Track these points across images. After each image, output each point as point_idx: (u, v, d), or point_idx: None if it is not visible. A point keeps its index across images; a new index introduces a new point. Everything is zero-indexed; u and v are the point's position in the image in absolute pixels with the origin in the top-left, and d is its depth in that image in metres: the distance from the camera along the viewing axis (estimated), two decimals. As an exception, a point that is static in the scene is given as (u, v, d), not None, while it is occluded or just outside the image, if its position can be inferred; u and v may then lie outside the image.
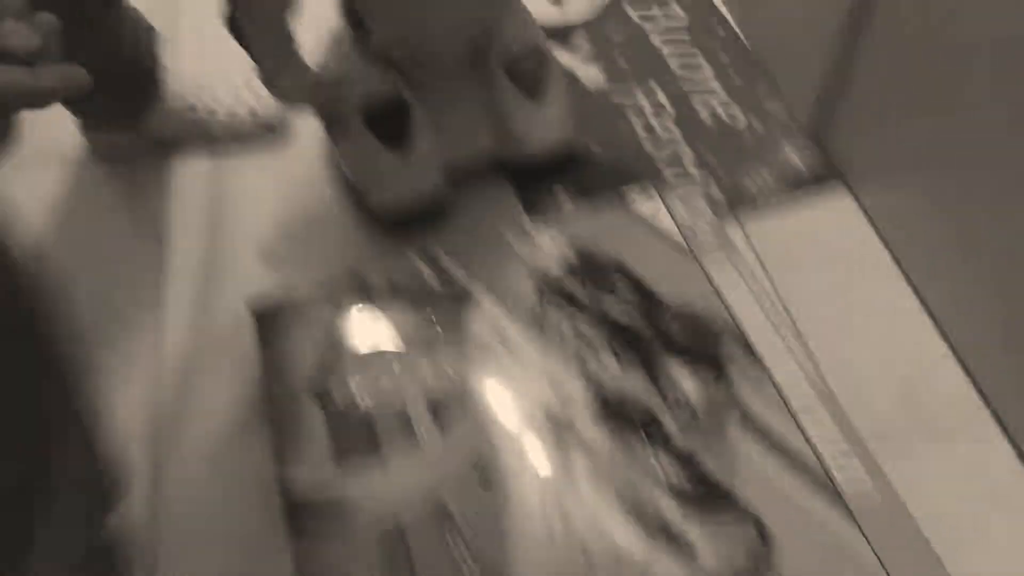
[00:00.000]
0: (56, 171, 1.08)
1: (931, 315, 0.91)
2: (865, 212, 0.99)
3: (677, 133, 1.07)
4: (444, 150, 0.94)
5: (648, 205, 0.91)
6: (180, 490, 0.83)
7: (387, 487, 0.73)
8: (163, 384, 0.90)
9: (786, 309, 0.91)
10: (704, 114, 1.09)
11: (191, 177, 1.05)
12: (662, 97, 1.11)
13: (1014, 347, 0.81)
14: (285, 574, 0.70)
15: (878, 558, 0.68)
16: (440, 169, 0.95)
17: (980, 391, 0.86)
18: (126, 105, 0.99)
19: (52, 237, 1.03)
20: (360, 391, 0.78)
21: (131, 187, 1.07)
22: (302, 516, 0.72)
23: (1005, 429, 0.84)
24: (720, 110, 1.09)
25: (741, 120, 1.08)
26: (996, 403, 0.84)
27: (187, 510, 0.82)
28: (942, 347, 0.89)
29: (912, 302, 0.93)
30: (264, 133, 1.05)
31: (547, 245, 0.87)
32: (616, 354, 0.80)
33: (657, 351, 0.80)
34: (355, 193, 0.99)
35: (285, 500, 0.72)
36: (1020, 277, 0.77)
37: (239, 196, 1.04)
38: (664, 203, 0.91)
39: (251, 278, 0.94)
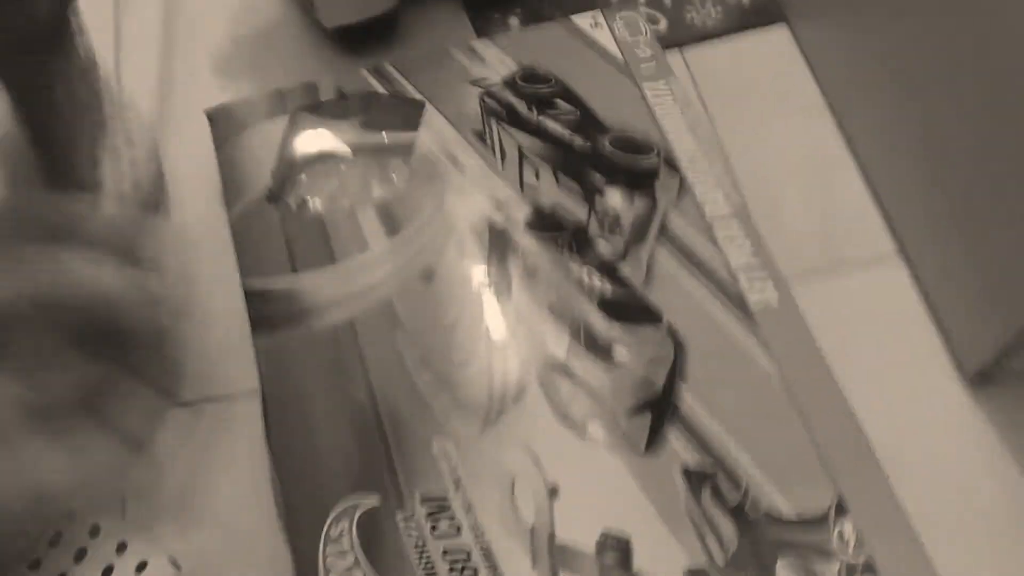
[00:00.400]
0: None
1: (854, 154, 0.97)
2: (802, 51, 1.04)
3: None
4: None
5: (593, 30, 0.94)
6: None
7: (338, 286, 0.79)
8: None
9: (717, 137, 0.96)
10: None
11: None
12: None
13: (929, 190, 0.88)
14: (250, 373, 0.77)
15: (775, 364, 0.77)
16: None
17: (892, 229, 0.94)
18: None
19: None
20: (311, 194, 0.83)
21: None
22: (260, 311, 0.78)
23: (911, 267, 0.92)
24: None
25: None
26: (906, 241, 0.92)
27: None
28: (862, 187, 0.96)
29: (838, 141, 0.99)
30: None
31: (493, 63, 0.91)
32: (553, 170, 0.85)
33: (591, 167, 0.85)
34: (307, 8, 1.00)
35: (246, 299, 0.78)
36: (942, 120, 0.83)
37: (192, 12, 1.04)
38: (608, 28, 0.94)
39: (206, 92, 0.97)
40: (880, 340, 0.87)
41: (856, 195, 0.96)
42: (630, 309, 0.79)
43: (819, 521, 0.68)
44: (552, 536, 0.66)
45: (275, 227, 0.82)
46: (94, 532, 0.68)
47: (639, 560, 0.66)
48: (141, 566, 0.68)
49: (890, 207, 0.95)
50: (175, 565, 0.69)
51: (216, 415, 0.84)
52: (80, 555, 0.67)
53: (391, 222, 0.82)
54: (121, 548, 0.68)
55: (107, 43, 1.05)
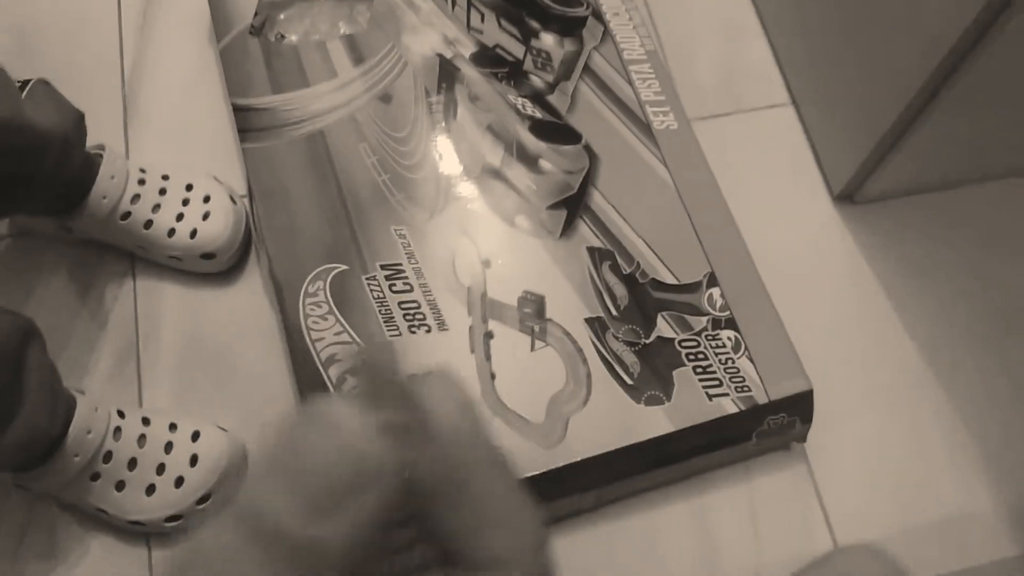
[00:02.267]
0: None
1: (761, 21, 1.12)
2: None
3: None
4: None
5: None
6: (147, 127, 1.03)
7: (311, 102, 0.93)
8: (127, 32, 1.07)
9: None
10: None
11: None
12: None
13: (816, 48, 1.03)
14: (241, 171, 0.91)
15: (671, 175, 0.93)
16: None
17: (787, 83, 1.09)
18: None
19: None
20: (288, 30, 0.97)
21: None
22: (247, 124, 0.92)
23: (799, 112, 1.08)
24: None
25: None
26: (796, 92, 1.08)
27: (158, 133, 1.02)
28: (766, 48, 1.11)
29: (749, 9, 1.13)
30: None
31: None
32: (496, 16, 0.99)
33: (529, 15, 1.00)
34: None
35: (235, 115, 0.93)
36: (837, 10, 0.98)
37: None
38: None
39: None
40: (766, 167, 1.04)
41: (759, 55, 1.12)
42: (555, 131, 0.94)
43: (693, 287, 0.85)
44: (484, 294, 0.83)
45: (257, 56, 0.96)
46: (146, 421, 0.79)
47: (551, 311, 0.83)
48: (195, 435, 0.81)
49: (785, 63, 1.11)
50: (222, 429, 0.83)
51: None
52: (142, 440, 0.78)
53: (356, 54, 0.96)
54: (173, 427, 0.80)
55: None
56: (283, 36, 0.97)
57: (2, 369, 0.67)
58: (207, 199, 0.91)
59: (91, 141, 0.88)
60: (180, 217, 0.90)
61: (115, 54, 1.06)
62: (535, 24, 1.00)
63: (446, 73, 0.96)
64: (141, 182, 0.90)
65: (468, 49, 0.97)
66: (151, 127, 1.01)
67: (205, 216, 0.90)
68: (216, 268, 0.92)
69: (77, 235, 0.91)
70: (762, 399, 0.80)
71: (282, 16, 0.99)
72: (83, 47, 1.07)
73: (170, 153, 1.00)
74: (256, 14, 0.98)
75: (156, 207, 0.89)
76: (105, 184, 0.86)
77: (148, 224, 0.88)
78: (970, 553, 0.86)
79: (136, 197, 0.88)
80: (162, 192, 0.90)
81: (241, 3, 0.99)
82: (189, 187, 0.92)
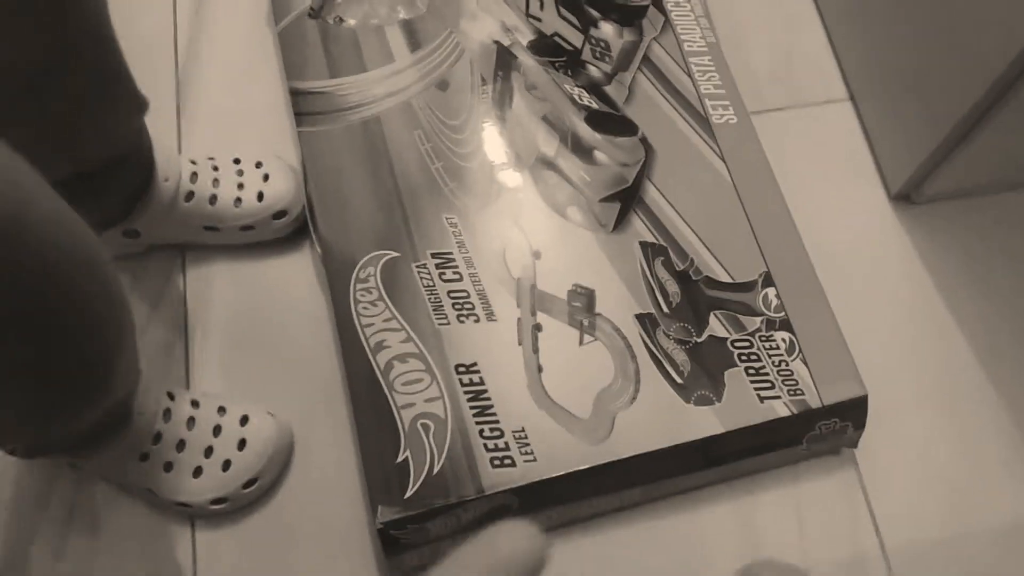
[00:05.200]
0: None
1: (819, 13, 1.07)
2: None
3: None
4: None
5: None
6: (200, 110, 1.01)
7: (367, 87, 0.91)
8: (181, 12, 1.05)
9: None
10: None
11: None
12: None
13: (877, 46, 0.98)
14: (296, 154, 0.89)
15: (728, 171, 0.88)
16: None
17: (845, 78, 1.04)
18: None
19: None
20: (346, 12, 0.94)
21: None
22: (303, 108, 0.90)
23: (857, 109, 1.02)
24: None
25: None
26: (855, 88, 1.03)
27: (211, 115, 1.00)
28: (824, 42, 1.06)
29: (806, 7, 1.08)
30: None
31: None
32: (556, 3, 0.95)
33: (589, 3, 0.96)
34: None
35: (292, 99, 0.90)
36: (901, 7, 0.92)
37: None
38: None
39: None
40: (822, 163, 0.99)
41: (818, 48, 1.07)
42: (612, 122, 0.90)
43: (748, 286, 0.81)
44: (534, 286, 0.80)
45: (315, 39, 0.93)
46: (195, 404, 0.77)
47: (601, 305, 0.79)
48: (244, 419, 0.78)
49: (844, 58, 1.05)
50: (270, 413, 0.80)
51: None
52: (191, 423, 0.76)
53: (413, 39, 0.93)
54: (221, 411, 0.78)
55: None
56: (342, 19, 0.94)
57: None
58: (259, 165, 0.89)
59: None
60: (241, 186, 0.87)
61: (169, 36, 1.04)
62: (595, 13, 0.96)
63: (503, 61, 0.92)
64: (192, 162, 0.87)
65: (526, 37, 0.94)
66: (204, 110, 0.99)
67: (265, 178, 0.88)
68: (288, 228, 0.89)
69: (144, 239, 0.88)
70: (815, 403, 0.76)
71: (343, 3, 0.96)
72: (137, 27, 1.04)
73: (223, 135, 0.98)
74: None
75: (215, 181, 0.86)
76: (164, 167, 0.83)
77: (213, 199, 0.86)
78: (1022, 561, 0.81)
79: (194, 176, 0.85)
80: (215, 168, 0.87)
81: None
82: (237, 160, 0.89)
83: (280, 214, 0.88)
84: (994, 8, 0.75)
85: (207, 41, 1.04)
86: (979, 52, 0.78)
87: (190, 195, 0.85)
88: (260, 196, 0.87)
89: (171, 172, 0.83)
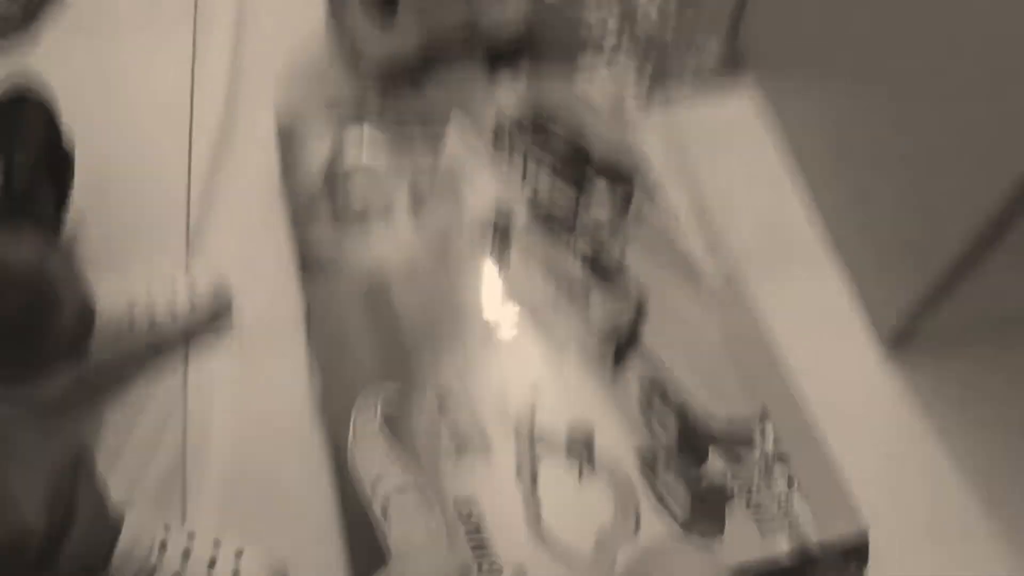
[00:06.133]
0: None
1: (803, 177, 1.13)
2: (764, 101, 1.20)
3: (618, 26, 1.26)
4: (425, 23, 1.13)
5: (588, 81, 1.11)
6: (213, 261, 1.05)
7: (373, 252, 0.94)
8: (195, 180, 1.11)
9: (687, 163, 1.12)
10: (642, 12, 1.29)
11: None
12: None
13: (860, 202, 1.03)
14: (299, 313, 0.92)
15: (719, 320, 0.90)
16: (421, 39, 1.13)
17: (829, 235, 1.08)
18: None
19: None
20: (355, 195, 0.99)
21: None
22: (310, 265, 0.93)
23: (843, 262, 1.06)
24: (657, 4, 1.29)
25: (672, 18, 1.28)
26: (838, 243, 1.07)
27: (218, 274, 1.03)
28: (806, 202, 1.11)
29: (787, 163, 1.14)
30: None
31: (506, 101, 1.07)
32: (551, 168, 1.01)
33: (582, 180, 1.01)
34: (352, 55, 1.18)
35: (299, 256, 0.94)
36: (889, 157, 0.98)
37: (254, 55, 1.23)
38: (601, 81, 1.11)
39: (266, 111, 1.14)
40: (813, 314, 1.00)
41: (800, 208, 1.11)
42: (606, 270, 0.94)
43: (745, 420, 0.81)
44: (532, 421, 0.80)
45: (324, 203, 0.98)
46: (191, 536, 0.76)
47: (599, 441, 0.79)
48: (239, 553, 0.77)
49: (828, 218, 1.09)
50: (265, 548, 0.78)
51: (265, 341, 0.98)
52: (186, 556, 0.74)
53: (418, 213, 0.97)
54: (216, 544, 0.77)
55: (184, 71, 1.24)
56: (349, 200, 0.99)
57: (60, 488, 0.65)
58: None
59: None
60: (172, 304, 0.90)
61: (183, 197, 1.09)
62: (587, 177, 1.01)
63: (501, 232, 0.96)
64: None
65: (522, 210, 0.98)
66: (211, 268, 1.02)
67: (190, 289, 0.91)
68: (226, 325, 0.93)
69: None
70: (816, 537, 0.74)
71: (349, 182, 1.01)
72: (154, 190, 1.10)
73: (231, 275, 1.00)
74: (325, 176, 1.01)
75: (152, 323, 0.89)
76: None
77: (152, 324, 0.89)
78: None
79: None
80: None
81: (309, 163, 1.02)
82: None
83: (215, 316, 0.93)
84: (970, 165, 0.79)
85: (219, 203, 1.09)
86: (957, 208, 0.81)
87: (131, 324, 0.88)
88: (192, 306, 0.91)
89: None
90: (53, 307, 0.79)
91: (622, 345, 0.86)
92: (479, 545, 0.72)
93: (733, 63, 1.24)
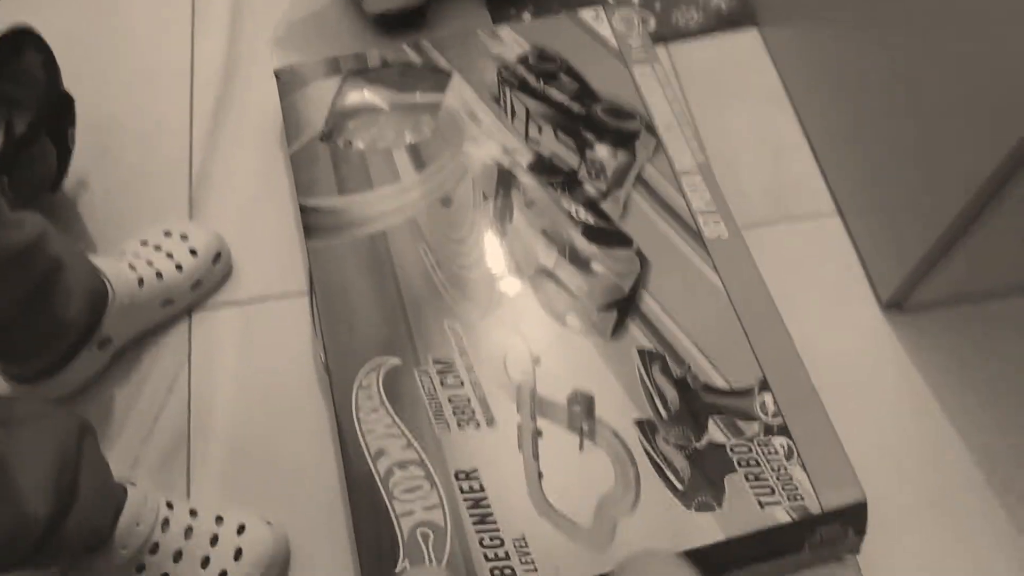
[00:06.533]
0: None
1: (805, 134, 1.11)
2: (768, 51, 1.18)
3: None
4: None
5: (594, 22, 1.09)
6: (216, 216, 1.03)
7: (374, 204, 0.93)
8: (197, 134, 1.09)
9: (690, 112, 1.10)
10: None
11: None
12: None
13: (861, 162, 1.01)
14: (303, 268, 0.91)
15: (722, 282, 0.89)
16: None
17: (832, 193, 1.07)
18: None
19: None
20: (356, 137, 0.97)
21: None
22: (312, 223, 0.92)
23: (845, 221, 1.05)
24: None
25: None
26: (841, 202, 1.05)
27: (222, 231, 1.02)
28: (810, 159, 1.09)
29: (793, 123, 1.12)
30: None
31: (510, 43, 1.05)
32: (553, 127, 0.99)
33: (584, 127, 0.99)
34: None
35: (301, 213, 0.93)
36: (874, 110, 0.96)
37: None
38: (607, 21, 1.08)
39: (267, 59, 1.12)
40: (814, 274, 1.00)
41: (806, 165, 1.10)
42: (607, 235, 0.92)
43: (745, 392, 0.81)
44: (533, 391, 0.80)
45: (326, 161, 0.97)
46: (193, 513, 0.77)
47: (600, 411, 0.79)
48: (241, 528, 0.78)
49: (831, 175, 1.08)
50: (267, 522, 0.80)
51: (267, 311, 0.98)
52: (188, 533, 0.75)
53: (419, 160, 0.96)
54: (219, 520, 0.78)
55: (185, 22, 1.21)
56: (351, 143, 0.97)
57: (63, 469, 0.65)
58: (167, 233, 0.95)
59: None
60: (171, 255, 0.92)
61: (185, 156, 1.08)
62: (590, 136, 0.99)
63: (503, 180, 0.95)
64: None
65: (525, 158, 0.97)
66: (214, 224, 1.01)
67: (183, 237, 0.94)
68: (228, 268, 0.98)
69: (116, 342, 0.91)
70: (815, 508, 0.74)
71: (351, 124, 1.00)
72: (156, 148, 1.09)
73: (234, 251, 0.99)
74: (326, 122, 0.99)
75: (150, 263, 0.91)
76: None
77: (159, 275, 0.91)
78: None
79: (132, 267, 0.90)
80: (140, 255, 0.92)
81: (312, 111, 1.00)
82: (145, 242, 0.94)
83: (216, 258, 0.96)
84: (974, 121, 0.77)
85: (221, 162, 1.07)
86: (960, 164, 0.80)
87: (140, 281, 0.90)
88: (193, 252, 0.93)
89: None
90: (60, 291, 0.79)
91: (622, 313, 0.85)
92: (480, 519, 0.72)
93: (739, 9, 1.21)
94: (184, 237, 0.95)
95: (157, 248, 0.93)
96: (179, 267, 0.93)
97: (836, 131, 1.06)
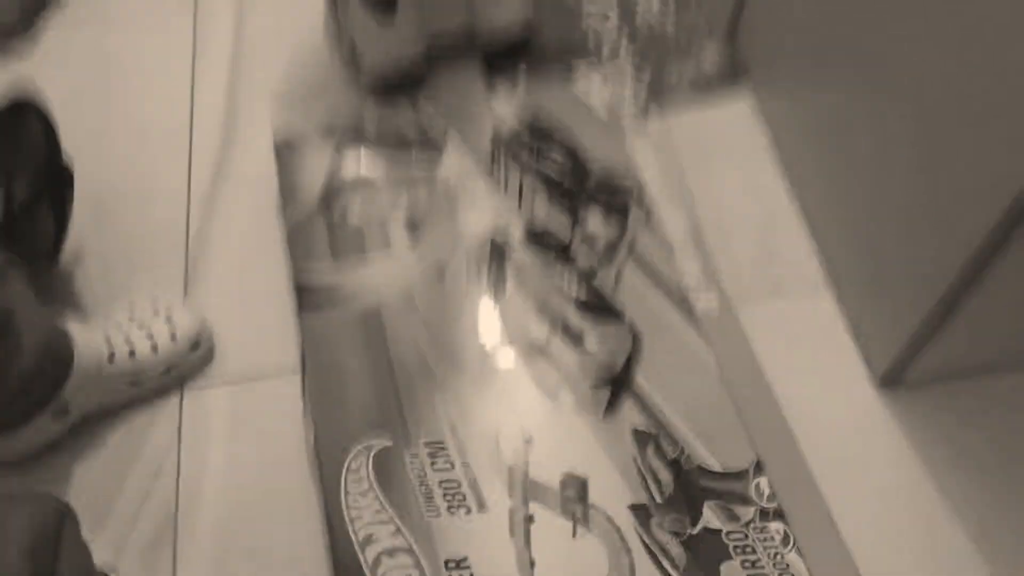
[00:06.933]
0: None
1: (796, 198, 1.11)
2: (761, 112, 1.18)
3: (617, 29, 1.23)
4: (425, 24, 1.10)
5: (586, 86, 1.09)
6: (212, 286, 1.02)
7: (369, 279, 0.92)
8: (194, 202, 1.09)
9: (684, 180, 1.10)
10: (642, 15, 1.25)
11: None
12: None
13: (853, 232, 1.01)
14: (295, 343, 0.90)
15: (714, 358, 0.88)
16: (421, 40, 1.11)
17: (823, 262, 1.06)
18: None
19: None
20: (351, 209, 0.97)
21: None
22: (307, 296, 0.91)
23: (836, 294, 1.04)
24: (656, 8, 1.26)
25: (671, 23, 1.25)
26: (832, 272, 1.05)
27: (217, 302, 1.01)
28: (801, 228, 1.09)
29: (782, 185, 1.12)
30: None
31: (504, 112, 1.05)
32: (546, 200, 0.99)
33: (577, 200, 0.99)
34: (350, 62, 1.15)
35: (296, 286, 0.92)
36: (868, 177, 0.95)
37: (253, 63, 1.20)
38: (599, 86, 1.09)
39: (265, 123, 1.11)
40: (807, 350, 0.99)
41: (796, 234, 1.09)
42: (600, 309, 0.91)
43: (740, 475, 0.79)
44: (526, 473, 0.78)
45: (322, 234, 0.96)
46: None
47: (593, 495, 0.77)
48: None
49: (823, 244, 1.07)
50: None
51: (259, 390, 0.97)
52: None
53: (414, 233, 0.96)
54: None
55: (184, 83, 1.21)
56: (346, 216, 0.97)
57: (41, 554, 0.63)
58: (155, 312, 0.95)
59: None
60: (151, 336, 0.92)
61: (182, 219, 1.07)
62: (582, 209, 0.99)
63: (497, 253, 0.94)
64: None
65: (518, 231, 0.96)
66: (210, 295, 1.00)
67: (167, 320, 0.94)
68: (207, 359, 0.96)
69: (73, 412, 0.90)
70: (813, 598, 0.72)
71: (347, 197, 0.99)
72: (152, 213, 1.08)
73: (225, 321, 0.98)
74: (322, 194, 0.99)
75: (127, 339, 0.91)
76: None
77: (132, 353, 0.90)
78: None
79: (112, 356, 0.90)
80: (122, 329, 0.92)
81: (308, 182, 1.00)
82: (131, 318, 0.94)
83: (195, 346, 0.94)
84: (968, 184, 0.76)
85: (218, 224, 1.06)
86: (954, 229, 0.79)
87: (112, 356, 0.89)
88: (172, 337, 0.92)
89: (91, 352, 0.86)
90: (11, 347, 0.77)
91: (615, 391, 0.84)
92: (471, 609, 0.71)
93: (731, 72, 1.21)
94: (168, 319, 0.93)
95: (140, 326, 0.92)
96: (155, 348, 0.92)
97: (827, 197, 1.06)
